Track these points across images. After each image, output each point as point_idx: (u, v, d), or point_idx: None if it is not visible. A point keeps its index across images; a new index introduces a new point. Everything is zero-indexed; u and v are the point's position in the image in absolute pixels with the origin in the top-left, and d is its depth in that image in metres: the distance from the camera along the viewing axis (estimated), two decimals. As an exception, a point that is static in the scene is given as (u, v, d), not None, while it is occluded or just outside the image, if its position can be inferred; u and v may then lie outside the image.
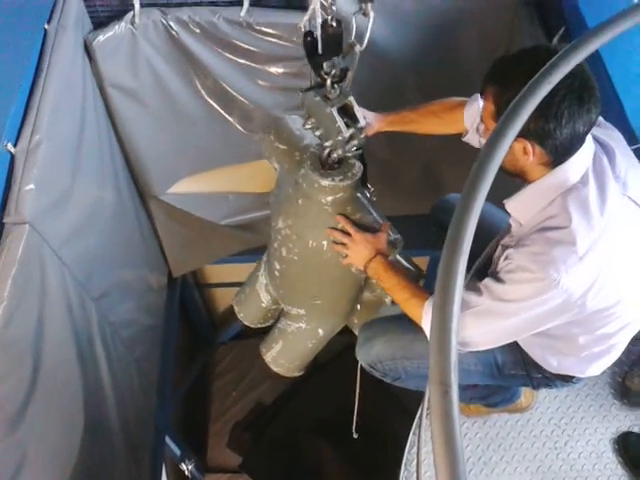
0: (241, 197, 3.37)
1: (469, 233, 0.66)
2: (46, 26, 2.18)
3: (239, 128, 2.96)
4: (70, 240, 2.15)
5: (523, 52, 1.34)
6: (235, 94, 2.77)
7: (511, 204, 1.45)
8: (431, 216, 2.04)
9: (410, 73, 2.79)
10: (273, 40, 2.57)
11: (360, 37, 1.46)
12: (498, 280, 1.39)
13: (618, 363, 1.58)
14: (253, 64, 2.67)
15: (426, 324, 1.53)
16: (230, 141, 3.00)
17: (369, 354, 1.85)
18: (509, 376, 1.75)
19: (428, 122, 1.87)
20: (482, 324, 1.42)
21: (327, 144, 1.66)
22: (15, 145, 1.96)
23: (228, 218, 3.41)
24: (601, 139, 1.43)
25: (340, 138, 1.59)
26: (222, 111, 2.87)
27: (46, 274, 1.94)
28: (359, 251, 1.71)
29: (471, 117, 1.77)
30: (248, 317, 2.42)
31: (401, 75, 2.78)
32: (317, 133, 1.69)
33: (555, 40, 2.31)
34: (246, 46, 2.59)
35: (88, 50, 2.43)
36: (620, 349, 1.62)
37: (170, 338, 3.69)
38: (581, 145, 1.33)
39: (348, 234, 1.72)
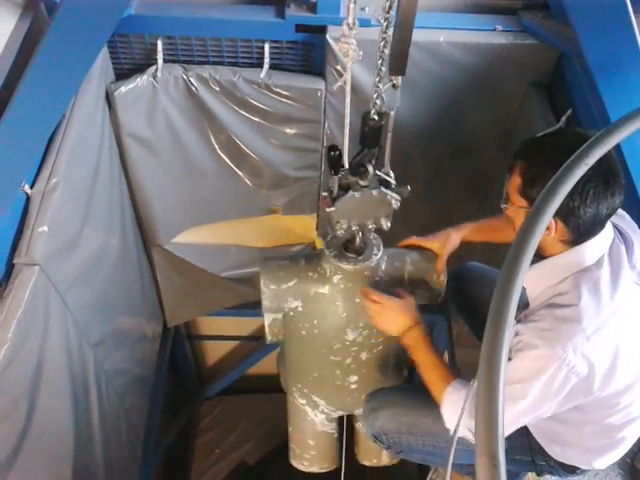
0: (243, 251, 3.39)
1: (512, 309, 0.68)
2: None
3: (248, 183, 3.01)
4: (75, 285, 2.15)
5: (552, 134, 1.40)
6: (247, 150, 2.83)
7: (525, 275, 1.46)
8: (449, 283, 2.05)
9: (419, 141, 2.86)
10: (289, 102, 2.64)
11: (391, 103, 1.51)
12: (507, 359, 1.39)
13: (627, 444, 1.57)
14: (267, 123, 2.74)
15: (444, 409, 1.52)
16: (238, 195, 3.05)
17: (374, 425, 1.82)
18: (513, 460, 1.71)
19: (500, 235, 1.86)
20: None
21: (371, 226, 1.66)
22: (32, 187, 1.98)
23: (228, 271, 3.41)
24: (622, 228, 1.47)
25: (394, 206, 1.61)
26: (233, 166, 2.92)
27: (50, 318, 1.93)
28: (393, 318, 1.69)
29: None
30: (328, 460, 2.32)
31: (411, 143, 2.86)
32: (354, 228, 1.67)
33: (563, 120, 2.40)
34: (262, 106, 2.66)
35: (109, 99, 2.49)
36: (627, 445, 1.60)
37: (159, 390, 3.62)
38: (602, 229, 1.36)
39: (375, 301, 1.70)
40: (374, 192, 1.57)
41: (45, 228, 1.90)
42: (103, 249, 2.48)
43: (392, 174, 1.61)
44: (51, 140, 2.10)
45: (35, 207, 1.94)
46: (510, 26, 2.50)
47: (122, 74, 2.56)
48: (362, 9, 2.46)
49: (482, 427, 0.61)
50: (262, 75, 2.56)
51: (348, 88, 1.38)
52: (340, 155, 1.54)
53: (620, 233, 1.45)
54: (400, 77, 1.34)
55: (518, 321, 1.48)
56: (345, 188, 1.57)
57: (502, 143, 2.84)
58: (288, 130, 2.78)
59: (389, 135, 1.49)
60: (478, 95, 2.66)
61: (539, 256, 1.44)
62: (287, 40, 2.53)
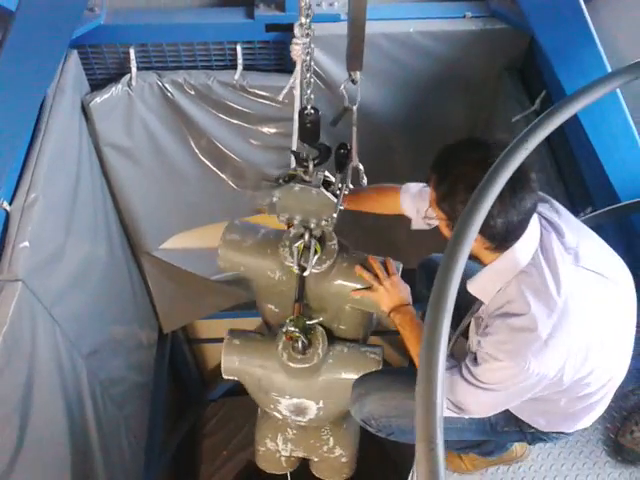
0: (233, 253, 3.39)
1: (450, 300, 0.70)
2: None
3: (231, 185, 3.02)
4: (62, 297, 2.16)
5: (460, 145, 1.39)
6: (228, 152, 2.84)
7: (472, 286, 1.48)
8: (417, 273, 2.07)
9: (397, 133, 2.88)
10: (265, 102, 2.65)
11: (352, 98, 1.52)
12: (475, 363, 1.43)
13: (610, 420, 1.57)
14: (246, 124, 2.75)
15: None
16: (222, 198, 3.06)
17: (362, 411, 1.84)
18: (503, 433, 1.75)
19: (370, 204, 1.94)
20: (474, 395, 1.45)
21: (313, 225, 1.71)
22: (11, 203, 1.99)
23: (219, 274, 3.42)
24: (547, 215, 1.46)
25: (334, 214, 1.65)
26: (215, 169, 2.93)
27: (37, 332, 1.94)
28: (394, 293, 1.75)
29: (410, 206, 1.80)
30: None
31: (389, 134, 2.87)
32: (295, 222, 1.72)
33: (537, 102, 2.41)
34: (239, 107, 2.67)
35: (85, 111, 2.50)
36: (607, 400, 1.63)
37: (159, 396, 3.64)
38: (522, 230, 1.35)
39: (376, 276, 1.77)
40: (313, 190, 1.59)
41: (26, 243, 1.91)
42: (89, 260, 2.49)
43: (358, 171, 1.63)
44: (28, 155, 2.11)
45: (15, 223, 1.95)
46: (479, 12, 2.51)
47: (97, 85, 2.57)
48: (331, 4, 2.47)
49: (421, 411, 0.62)
50: (236, 76, 2.58)
51: (298, 91, 1.40)
52: (349, 152, 1.55)
53: (546, 220, 1.45)
54: (358, 72, 1.34)
55: (476, 318, 1.51)
56: (291, 179, 1.59)
57: (481, 128, 2.85)
58: (267, 130, 2.79)
59: (354, 129, 1.50)
60: (453, 83, 2.67)
61: (482, 264, 1.45)
62: (258, 40, 2.54)
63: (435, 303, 0.71)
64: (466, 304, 1.51)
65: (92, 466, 2.38)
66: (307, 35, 1.29)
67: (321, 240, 1.79)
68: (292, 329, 1.86)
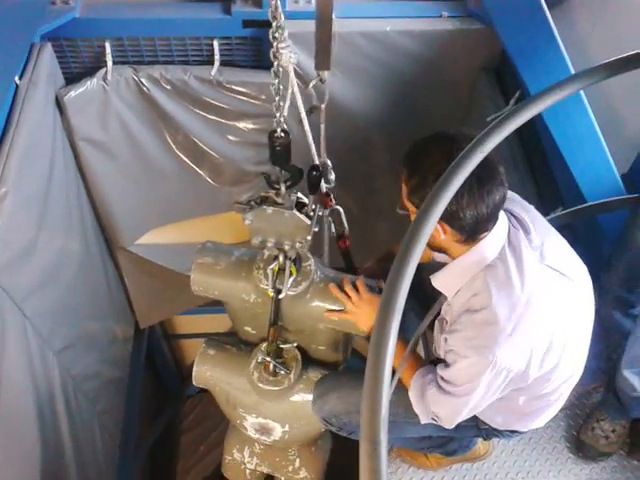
0: (210, 248, 3.39)
1: (398, 309, 0.70)
2: (17, 81, 2.22)
3: (209, 181, 3.01)
4: (34, 293, 2.14)
5: (429, 139, 1.40)
6: (205, 148, 2.83)
7: (437, 280, 1.50)
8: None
9: (375, 130, 2.88)
10: (242, 98, 2.65)
11: (321, 97, 1.52)
12: (446, 366, 1.46)
13: (573, 417, 1.60)
14: (223, 120, 2.74)
15: (411, 394, 1.57)
16: (199, 193, 3.05)
17: (323, 409, 1.86)
18: (460, 427, 1.74)
19: None
20: (446, 401, 1.49)
21: (287, 247, 1.68)
22: (-20, 198, 1.97)
23: (197, 269, 3.41)
24: (515, 213, 1.49)
25: (309, 236, 1.63)
26: (192, 164, 2.92)
27: (6, 327, 1.92)
28: (370, 312, 1.67)
29: None
30: None
31: (366, 132, 2.88)
32: (269, 245, 1.69)
33: (512, 102, 2.43)
34: (216, 103, 2.66)
35: (59, 104, 2.47)
36: (562, 401, 1.67)
37: (135, 391, 3.62)
38: (492, 223, 1.38)
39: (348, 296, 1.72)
40: (286, 213, 1.58)
41: None
42: (63, 255, 2.47)
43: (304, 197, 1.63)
44: (-1, 149, 2.08)
45: None
46: (456, 12, 2.53)
47: (72, 78, 2.54)
48: (308, 2, 2.47)
49: (366, 412, 0.63)
50: (213, 72, 2.57)
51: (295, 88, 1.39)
52: (321, 175, 1.54)
53: (515, 218, 1.47)
54: (326, 72, 1.35)
55: (440, 320, 1.52)
56: (263, 201, 1.58)
57: (457, 127, 2.87)
58: (244, 126, 2.78)
59: (322, 127, 1.50)
60: (430, 82, 2.69)
61: (452, 258, 1.47)
62: (235, 36, 2.53)
63: (386, 300, 0.72)
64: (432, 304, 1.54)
65: (64, 462, 2.37)
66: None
67: (296, 261, 1.77)
68: (265, 358, 1.87)
